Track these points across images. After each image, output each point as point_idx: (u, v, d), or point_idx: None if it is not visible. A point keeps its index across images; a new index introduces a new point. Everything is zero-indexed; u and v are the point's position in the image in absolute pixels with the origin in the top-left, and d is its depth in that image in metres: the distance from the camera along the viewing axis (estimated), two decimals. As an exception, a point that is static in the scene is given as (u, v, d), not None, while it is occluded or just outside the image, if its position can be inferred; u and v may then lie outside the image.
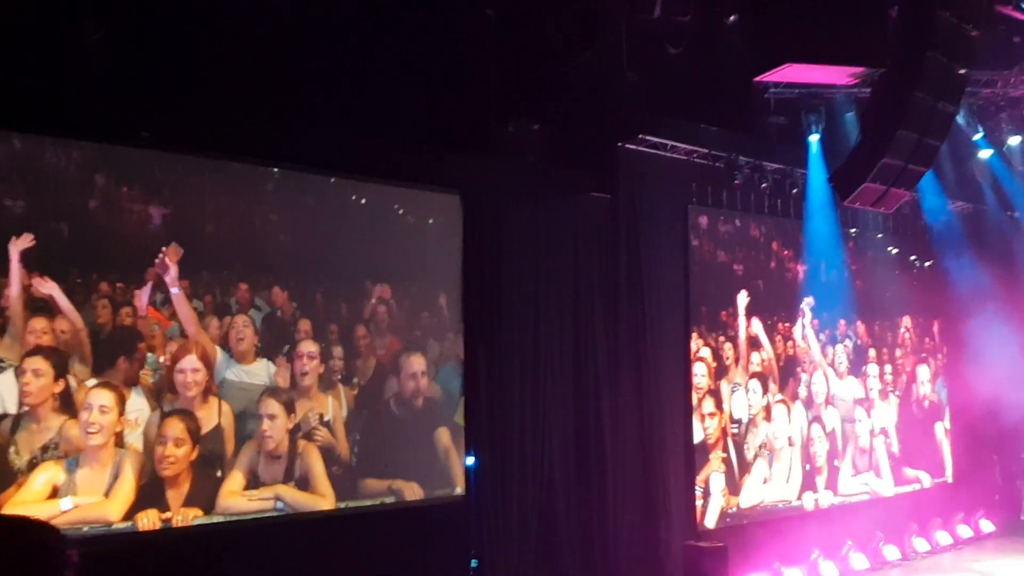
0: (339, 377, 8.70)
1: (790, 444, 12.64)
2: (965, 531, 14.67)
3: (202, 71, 7.69)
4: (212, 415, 7.77)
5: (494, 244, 9.82)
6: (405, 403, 9.17)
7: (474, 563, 9.42)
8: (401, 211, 9.34)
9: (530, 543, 9.89)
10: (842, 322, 13.71)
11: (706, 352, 11.63)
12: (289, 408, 8.30)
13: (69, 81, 7.11)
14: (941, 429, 15.49)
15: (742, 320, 12.10)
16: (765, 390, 12.35)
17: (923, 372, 15.33)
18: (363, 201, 9.09)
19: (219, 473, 7.82)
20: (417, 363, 9.28)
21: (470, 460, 9.58)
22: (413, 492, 9.11)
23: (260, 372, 8.13)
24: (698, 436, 11.46)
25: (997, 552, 14.14)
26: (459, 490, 9.48)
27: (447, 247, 9.64)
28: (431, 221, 9.57)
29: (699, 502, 11.38)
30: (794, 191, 12.68)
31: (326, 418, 8.56)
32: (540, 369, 10.19)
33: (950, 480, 15.38)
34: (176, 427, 7.56)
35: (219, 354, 7.87)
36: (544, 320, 10.25)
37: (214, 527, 7.72)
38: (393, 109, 8.86)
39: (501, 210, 9.87)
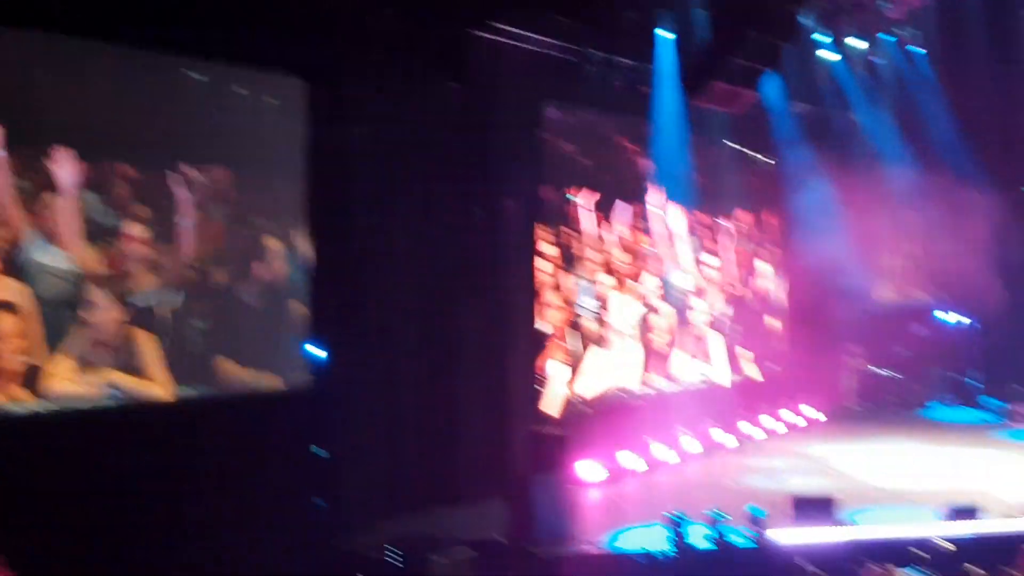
0: (171, 262, 8.47)
1: (630, 334, 13.02)
2: (795, 418, 15.52)
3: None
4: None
5: (340, 131, 9.63)
6: (246, 289, 9.02)
7: (320, 453, 9.46)
8: (242, 93, 9.05)
9: (376, 433, 9.99)
10: (686, 215, 14.06)
11: (550, 245, 11.78)
12: (116, 294, 8.02)
13: None
14: (775, 320, 16.20)
15: (587, 214, 12.26)
16: (609, 282, 12.62)
17: (760, 265, 15.94)
18: (204, 79, 8.73)
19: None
20: (258, 248, 9.11)
21: (314, 349, 9.56)
22: (254, 381, 9.06)
23: (81, 256, 7.81)
24: (542, 326, 11.68)
25: (822, 437, 15.03)
26: (303, 379, 9.46)
27: (290, 133, 9.39)
28: (272, 103, 9.29)
29: (541, 390, 11.67)
30: (644, 89, 12.80)
31: (156, 303, 8.34)
32: (387, 259, 10.17)
33: (782, 369, 16.15)
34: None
35: (30, 234, 7.50)
36: (392, 210, 10.19)
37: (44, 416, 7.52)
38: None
39: (348, 96, 9.66)
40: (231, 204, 8.95)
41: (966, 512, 9.91)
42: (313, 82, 9.46)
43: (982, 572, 7.43)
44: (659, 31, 12.20)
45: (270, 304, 9.26)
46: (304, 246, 9.51)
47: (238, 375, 8.92)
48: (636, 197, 13.10)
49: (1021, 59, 18.45)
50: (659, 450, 12.72)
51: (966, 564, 7.49)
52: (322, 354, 9.55)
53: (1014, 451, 13.88)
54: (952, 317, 19.18)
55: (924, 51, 16.08)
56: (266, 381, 9.17)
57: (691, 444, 13.28)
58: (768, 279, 16.07)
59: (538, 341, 11.65)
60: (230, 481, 8.52)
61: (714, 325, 14.74)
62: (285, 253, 9.39)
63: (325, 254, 9.58)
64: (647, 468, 12.43)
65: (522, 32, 11.13)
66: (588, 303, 12.30)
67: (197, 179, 8.63)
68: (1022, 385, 16.42)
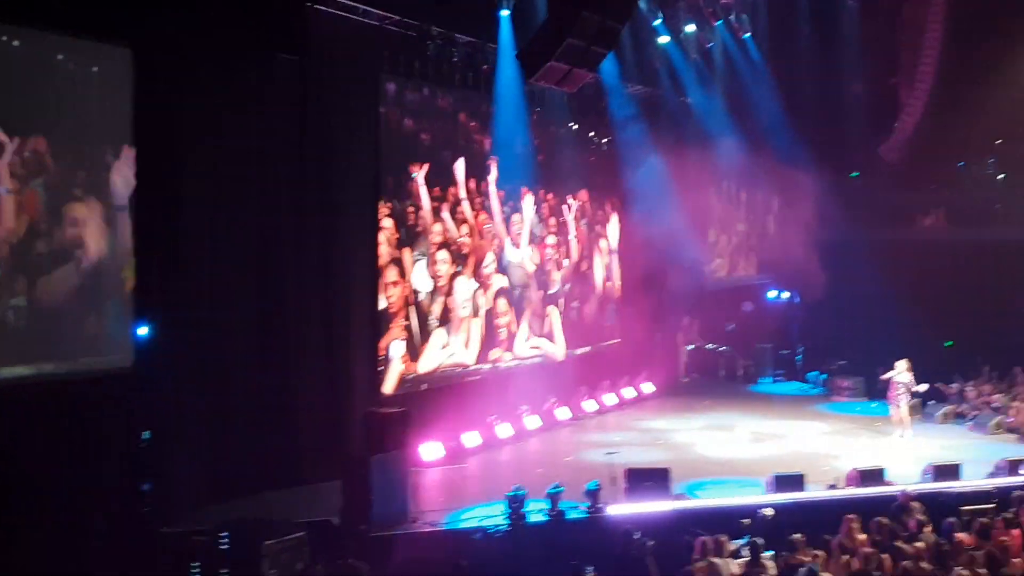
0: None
1: (473, 312, 13.05)
2: (630, 392, 15.88)
3: None
4: None
5: (171, 102, 9.29)
6: (65, 265, 8.62)
7: (146, 435, 9.14)
8: (65, 61, 8.61)
9: (206, 414, 9.73)
10: (525, 193, 14.16)
11: (389, 222, 11.67)
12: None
13: None
14: (612, 296, 16.52)
15: (424, 190, 12.18)
16: (449, 260, 12.60)
17: (600, 241, 16.19)
18: (16, 44, 8.25)
19: None
20: (78, 212, 8.71)
21: (142, 330, 9.21)
22: (77, 361, 8.69)
23: None
24: (382, 304, 11.58)
25: (657, 411, 15.45)
26: (128, 359, 9.11)
27: (116, 102, 9.00)
28: (95, 71, 8.87)
29: (380, 369, 11.57)
30: (484, 66, 12.82)
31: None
32: (221, 236, 9.90)
33: (619, 344, 16.49)
34: None
35: None
36: (227, 186, 9.92)
37: None
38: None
39: (179, 66, 9.32)
40: (50, 175, 8.48)
41: (792, 482, 10.37)
42: (142, 52, 9.09)
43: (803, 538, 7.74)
44: (500, 10, 12.20)
45: (91, 281, 8.84)
46: (129, 221, 9.11)
47: (54, 354, 8.51)
48: (477, 175, 13.10)
49: (845, 46, 19.34)
50: (499, 428, 12.83)
51: (793, 534, 7.80)
52: (147, 333, 9.20)
53: (836, 423, 14.63)
54: (779, 295, 20.01)
55: (749, 35, 16.60)
56: (88, 361, 8.77)
57: (531, 420, 13.43)
58: (605, 257, 16.35)
59: (378, 320, 11.54)
60: (51, 465, 8.18)
61: (553, 302, 14.92)
62: (108, 228, 8.97)
63: (152, 230, 9.24)
64: (488, 446, 12.53)
65: (361, 6, 10.93)
66: (428, 281, 12.23)
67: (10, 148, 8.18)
68: (842, 360, 17.27)
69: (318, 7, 10.51)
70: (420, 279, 12.14)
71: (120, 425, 8.97)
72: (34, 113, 8.40)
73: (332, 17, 10.75)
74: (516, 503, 9.42)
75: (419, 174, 12.10)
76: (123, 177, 9.07)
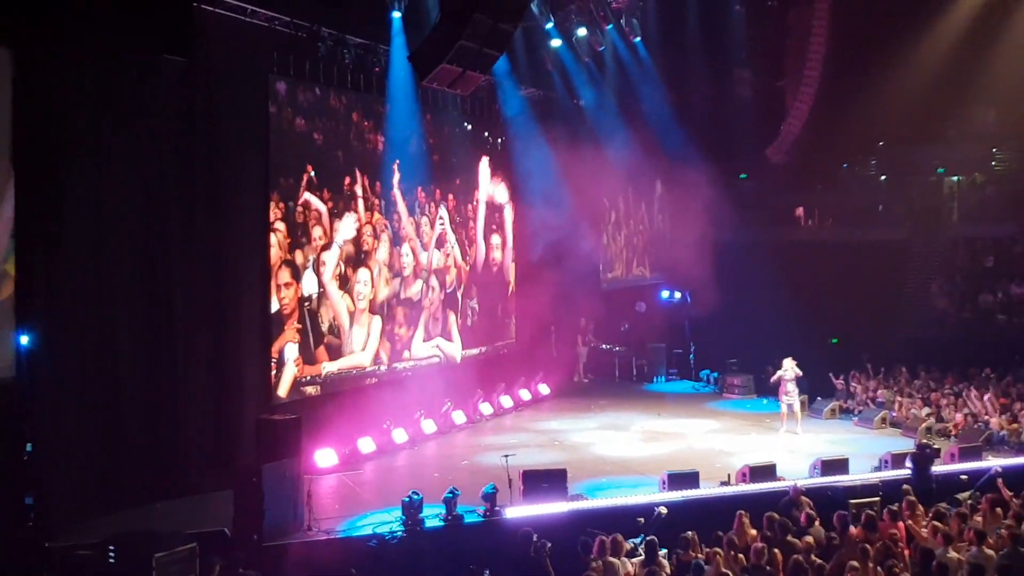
0: None
1: (370, 313, 12.93)
2: (526, 394, 15.92)
3: None
4: None
5: (52, 105, 9.01)
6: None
7: (28, 447, 8.82)
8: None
9: (91, 424, 9.44)
10: (421, 193, 14.10)
11: (281, 224, 11.48)
12: None
13: None
14: (508, 299, 16.55)
15: (314, 193, 12.02)
16: (341, 260, 12.45)
17: (495, 241, 16.20)
18: None
19: None
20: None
21: (23, 339, 8.88)
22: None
23: None
24: (274, 307, 11.38)
25: (553, 412, 15.52)
26: (10, 370, 8.77)
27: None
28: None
29: (274, 372, 11.38)
30: (376, 69, 12.73)
31: None
32: (105, 241, 9.62)
33: (514, 346, 16.53)
34: None
35: None
36: (112, 189, 9.64)
37: None
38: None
39: (61, 67, 9.03)
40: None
41: (686, 480, 10.50)
42: (23, 52, 8.76)
43: (695, 536, 7.85)
44: (391, 12, 12.12)
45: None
46: (7, 224, 8.77)
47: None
48: (370, 175, 12.98)
49: (733, 50, 19.77)
50: (395, 432, 12.72)
51: (688, 530, 7.90)
52: (29, 342, 8.87)
53: (728, 420, 14.90)
54: (672, 295, 20.31)
55: (639, 39, 16.82)
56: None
57: (427, 424, 13.36)
58: (502, 258, 16.38)
59: (270, 323, 11.34)
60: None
61: (448, 303, 14.88)
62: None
63: (31, 234, 8.90)
64: (383, 451, 12.42)
65: (249, 6, 10.73)
66: (315, 284, 12.05)
67: None
68: (732, 359, 17.62)
69: (204, 7, 10.27)
70: (312, 281, 11.97)
71: (2, 437, 8.65)
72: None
73: (219, 17, 10.51)
74: (412, 509, 9.36)
75: (311, 173, 11.94)
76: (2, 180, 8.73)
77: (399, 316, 13.68)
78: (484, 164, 15.72)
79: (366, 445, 12.19)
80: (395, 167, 13.44)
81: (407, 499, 9.40)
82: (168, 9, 9.86)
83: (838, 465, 11.04)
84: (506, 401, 15.35)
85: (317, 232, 12.04)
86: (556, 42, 15.06)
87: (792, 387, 13.66)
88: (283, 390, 11.50)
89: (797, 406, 13.69)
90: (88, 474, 9.37)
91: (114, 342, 9.68)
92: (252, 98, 11.18)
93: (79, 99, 9.25)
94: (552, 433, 13.97)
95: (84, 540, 8.25)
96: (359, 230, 12.80)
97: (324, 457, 11.45)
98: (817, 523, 8.44)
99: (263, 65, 11.28)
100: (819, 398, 15.24)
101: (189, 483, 10.14)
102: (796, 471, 11.08)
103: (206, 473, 10.29)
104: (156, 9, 9.66)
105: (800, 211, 22.25)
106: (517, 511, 9.65)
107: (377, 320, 13.13)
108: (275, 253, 11.38)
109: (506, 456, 10.31)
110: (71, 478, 9.17)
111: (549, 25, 14.39)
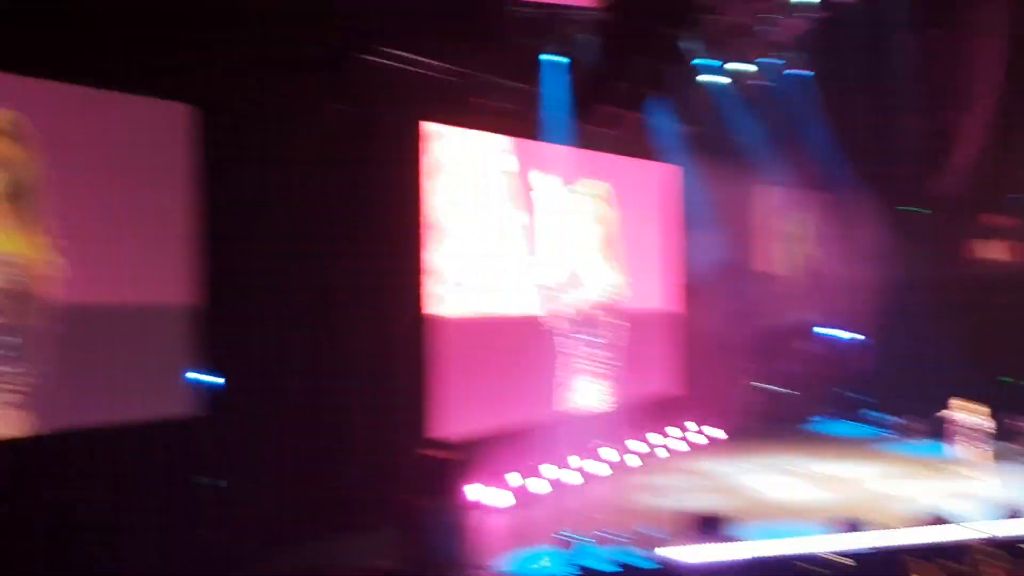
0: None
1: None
2: (691, 436, 15.66)
3: None
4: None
5: (222, 153, 9.43)
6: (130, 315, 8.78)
7: (205, 482, 9.21)
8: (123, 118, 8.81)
9: (264, 460, 9.74)
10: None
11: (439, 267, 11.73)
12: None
13: None
14: (667, 336, 16.31)
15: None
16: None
17: (655, 277, 16.02)
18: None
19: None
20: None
21: (201, 377, 9.31)
22: (148, 410, 8.81)
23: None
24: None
25: (716, 454, 15.19)
26: (188, 408, 9.21)
27: (174, 157, 9.21)
28: (156, 130, 9.08)
29: (434, 412, 11.54)
30: (531, 112, 12.87)
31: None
32: (277, 283, 9.97)
33: (675, 385, 16.27)
34: None
35: None
36: (280, 232, 10.02)
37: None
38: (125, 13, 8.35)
39: (231, 119, 9.48)
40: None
41: (854, 526, 10.08)
42: (197, 107, 9.29)
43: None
44: (545, 55, 12.24)
45: (158, 330, 9.02)
46: (192, 272, 9.28)
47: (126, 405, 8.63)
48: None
49: (899, 79, 19.14)
50: (561, 471, 12.68)
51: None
52: (206, 381, 9.30)
53: (898, 464, 14.27)
54: (841, 333, 19.66)
55: (808, 73, 16.48)
56: (151, 409, 8.88)
57: (591, 465, 13.28)
58: (666, 298, 16.20)
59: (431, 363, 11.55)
60: (117, 514, 8.27)
61: (612, 342, 14.77)
62: (175, 278, 9.18)
63: (212, 279, 9.38)
64: (546, 490, 12.39)
65: (406, 54, 11.05)
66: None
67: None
68: (912, 399, 16.86)
69: (363, 56, 10.64)
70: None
71: (180, 473, 9.05)
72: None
73: (376, 66, 10.87)
74: (577, 551, 9.27)
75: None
76: (186, 228, 9.28)
77: (569, 353, 13.70)
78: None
79: (530, 483, 12.19)
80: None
81: (572, 540, 9.33)
82: (329, 61, 10.30)
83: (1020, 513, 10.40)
84: (668, 442, 15.13)
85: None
86: (713, 77, 14.92)
87: (970, 430, 13.00)
88: (445, 426, 11.63)
89: (978, 450, 13.02)
90: (256, 509, 9.61)
91: (283, 381, 9.98)
92: (406, 142, 11.49)
93: (252, 147, 9.67)
94: (716, 475, 13.68)
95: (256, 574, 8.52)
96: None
97: (485, 494, 11.50)
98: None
99: (417, 110, 11.58)
100: (1000, 441, 14.41)
101: (355, 519, 10.31)
102: (975, 518, 10.49)
103: (371, 509, 10.45)
104: (317, 62, 10.11)
105: (971, 244, 21.23)
106: (684, 556, 9.44)
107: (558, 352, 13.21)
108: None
109: (669, 498, 10.14)
110: (246, 514, 9.44)
111: (706, 61, 14.28)
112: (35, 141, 8.03)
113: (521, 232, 13.08)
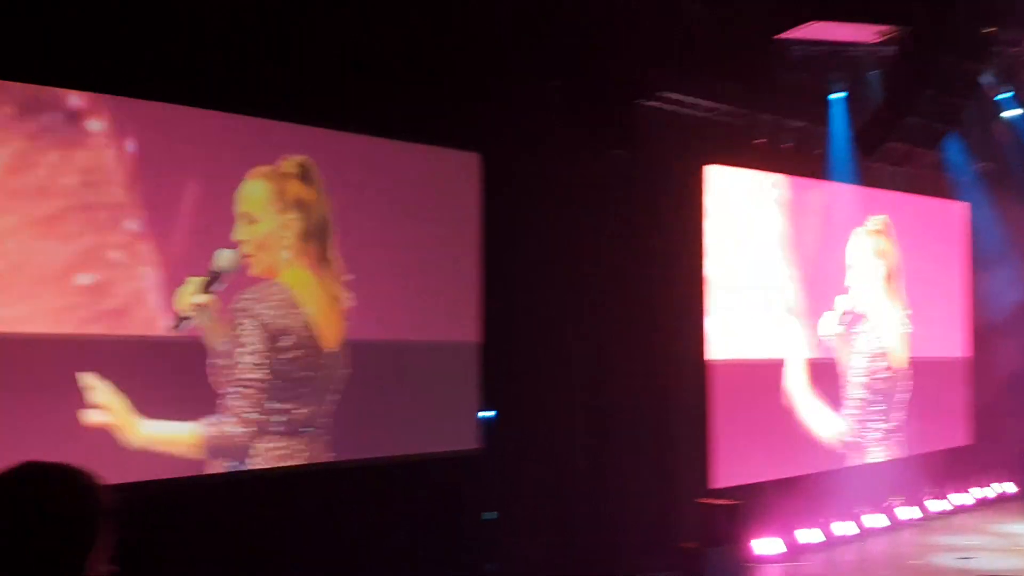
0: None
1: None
2: (984, 492, 14.67)
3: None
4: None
5: (512, 202, 9.84)
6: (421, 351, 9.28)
7: (489, 516, 9.54)
8: (417, 168, 9.36)
9: (541, 496, 9.98)
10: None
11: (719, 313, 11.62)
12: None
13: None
14: (956, 384, 15.37)
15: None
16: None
17: (939, 325, 15.18)
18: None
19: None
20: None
21: (486, 413, 9.67)
22: (427, 444, 9.22)
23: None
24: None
25: (1017, 513, 14.15)
26: (472, 443, 9.58)
27: (464, 204, 9.67)
28: (448, 179, 9.58)
29: (712, 458, 11.42)
30: (816, 151, 12.58)
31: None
32: (555, 321, 10.24)
33: (966, 437, 15.29)
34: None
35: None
36: (559, 273, 10.29)
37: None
38: (410, 66, 8.84)
39: (520, 170, 9.86)
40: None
41: None
42: (488, 155, 9.74)
43: None
44: (832, 93, 11.96)
45: (445, 367, 9.45)
46: (476, 312, 9.68)
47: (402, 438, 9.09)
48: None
49: None
50: (839, 524, 12.24)
51: None
52: (491, 416, 9.66)
53: None
54: None
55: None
56: (436, 444, 9.31)
57: (873, 518, 12.73)
58: (950, 338, 15.33)
59: (705, 411, 11.44)
60: (396, 545, 8.69)
61: (890, 386, 14.10)
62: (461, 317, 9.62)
63: (494, 321, 9.72)
64: (826, 543, 11.98)
65: (689, 98, 11.11)
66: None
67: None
68: None
69: (647, 104, 10.78)
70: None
71: (462, 508, 9.43)
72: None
73: (660, 112, 10.99)
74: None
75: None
76: (473, 270, 9.75)
77: (852, 397, 13.27)
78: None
79: (810, 535, 11.83)
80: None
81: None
82: (613, 109, 10.51)
83: None
84: (959, 498, 14.25)
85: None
86: (1012, 112, 14.05)
87: None
88: (723, 474, 11.49)
89: None
90: (532, 547, 9.82)
91: (561, 416, 10.22)
92: (689, 185, 11.48)
93: (534, 194, 10.01)
94: (1016, 536, 12.75)
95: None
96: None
97: (767, 545, 11.26)
98: None
99: (700, 154, 11.57)
100: None
101: (629, 562, 10.35)
102: None
103: (646, 553, 10.46)
104: (602, 111, 10.35)
105: None
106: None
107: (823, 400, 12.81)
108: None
109: (963, 558, 9.57)
110: (517, 550, 9.68)
111: (1004, 95, 13.47)
112: (325, 184, 8.64)
113: (802, 272, 12.77)
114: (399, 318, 9.16)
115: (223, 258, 7.85)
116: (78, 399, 7.07)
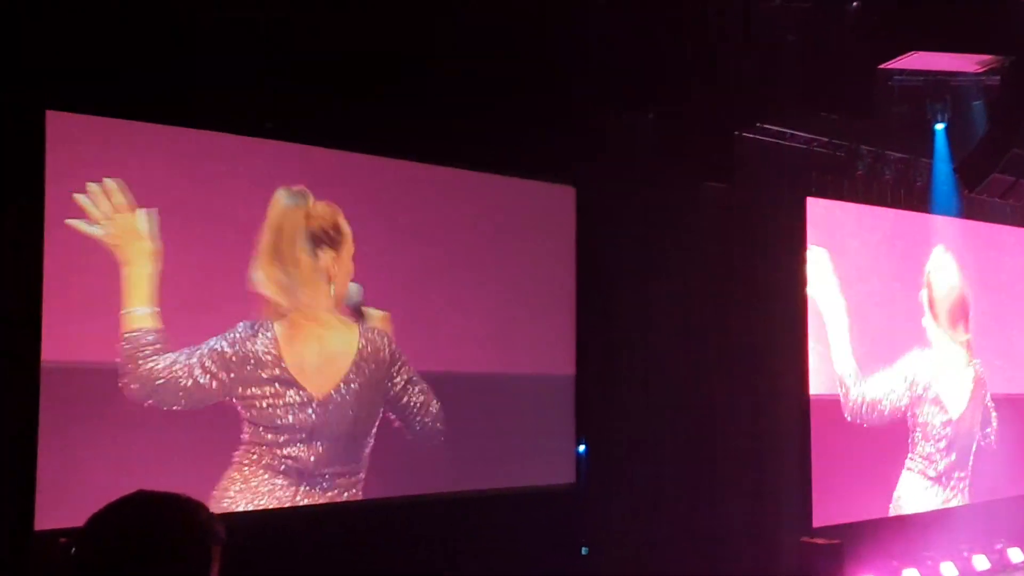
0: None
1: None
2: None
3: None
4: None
5: (608, 236, 9.86)
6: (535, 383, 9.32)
7: (584, 551, 9.48)
8: (514, 201, 9.43)
9: (635, 533, 9.88)
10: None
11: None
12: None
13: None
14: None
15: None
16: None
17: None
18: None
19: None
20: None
21: (580, 447, 9.63)
22: (523, 478, 9.22)
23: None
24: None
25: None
26: (570, 477, 9.55)
27: (560, 237, 9.71)
28: (544, 212, 9.63)
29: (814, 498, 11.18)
30: (918, 182, 12.34)
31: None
32: (651, 351, 10.20)
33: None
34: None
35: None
36: (655, 310, 10.24)
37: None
38: (502, 100, 8.90)
39: (615, 202, 9.87)
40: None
41: None
42: (583, 188, 9.78)
43: None
44: (935, 124, 11.74)
45: (543, 400, 9.48)
46: (572, 343, 9.68)
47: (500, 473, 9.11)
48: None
49: None
50: (943, 566, 11.86)
51: None
52: (585, 451, 9.63)
53: None
54: None
55: None
56: (535, 476, 9.32)
57: (979, 560, 12.30)
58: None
59: (809, 453, 11.22)
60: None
61: (970, 428, 13.65)
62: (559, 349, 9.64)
63: (588, 353, 9.72)
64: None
65: (788, 131, 11.02)
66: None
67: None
68: None
69: (746, 135, 10.71)
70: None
71: (562, 539, 9.38)
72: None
73: (759, 143, 10.92)
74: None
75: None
76: (569, 302, 9.78)
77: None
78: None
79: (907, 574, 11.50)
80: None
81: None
82: (711, 141, 10.44)
83: None
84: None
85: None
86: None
87: None
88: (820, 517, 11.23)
89: None
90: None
91: (658, 451, 10.11)
92: (789, 218, 11.36)
93: (630, 227, 10.03)
94: None
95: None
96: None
97: (866, 585, 10.98)
98: None
99: (800, 186, 11.46)
100: None
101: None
102: None
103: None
104: (699, 142, 10.28)
105: None
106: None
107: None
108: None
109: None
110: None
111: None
112: (423, 218, 8.82)
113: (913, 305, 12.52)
114: (496, 351, 9.21)
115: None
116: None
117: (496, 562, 8.71)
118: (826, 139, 11.42)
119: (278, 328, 7.80)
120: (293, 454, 7.81)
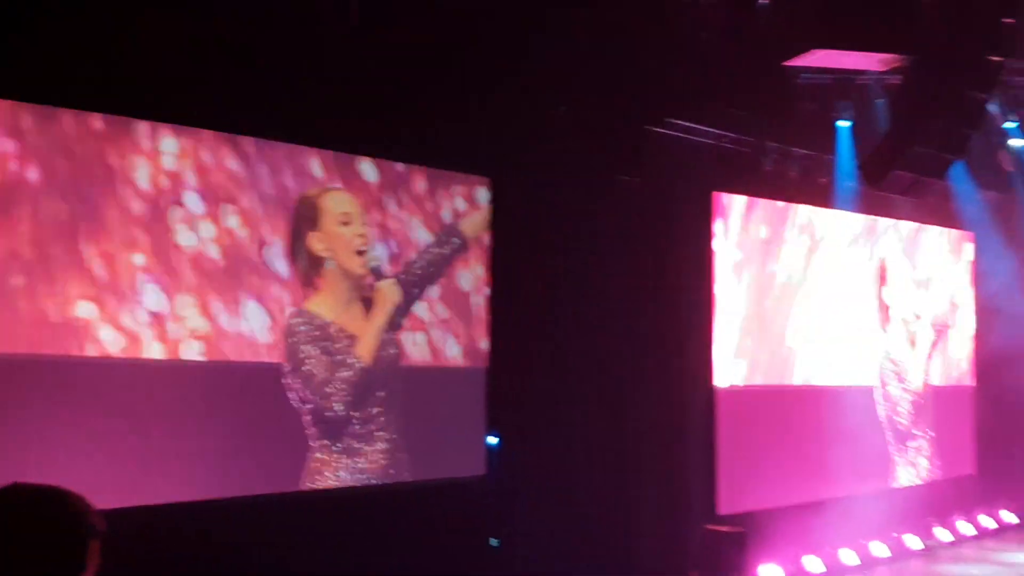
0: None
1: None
2: (988, 521, 14.61)
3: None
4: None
5: (520, 228, 9.90)
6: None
7: (494, 542, 9.50)
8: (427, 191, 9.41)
9: (547, 523, 9.93)
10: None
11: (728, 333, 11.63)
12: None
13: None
14: (963, 416, 15.34)
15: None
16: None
17: (952, 352, 15.18)
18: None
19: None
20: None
21: (492, 439, 9.65)
22: (432, 470, 9.21)
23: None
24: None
25: (1022, 544, 14.07)
26: (480, 469, 9.57)
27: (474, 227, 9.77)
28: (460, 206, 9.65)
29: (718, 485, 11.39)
30: (823, 179, 12.62)
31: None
32: (561, 345, 10.24)
33: (971, 467, 15.25)
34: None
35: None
36: (565, 295, 10.32)
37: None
38: (423, 94, 8.88)
39: (528, 194, 9.90)
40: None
41: None
42: (496, 181, 9.85)
43: None
44: (838, 121, 12.01)
45: (454, 392, 9.49)
46: (483, 337, 9.70)
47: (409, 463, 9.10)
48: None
49: None
50: (843, 553, 12.18)
51: None
52: (497, 442, 9.65)
53: None
54: None
55: None
56: (438, 471, 9.31)
57: (877, 547, 12.66)
58: (960, 367, 15.33)
59: (714, 440, 11.42)
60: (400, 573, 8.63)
61: (905, 417, 14.09)
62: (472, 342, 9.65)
63: (501, 344, 9.78)
64: (830, 572, 11.93)
65: (696, 126, 11.16)
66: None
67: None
68: None
69: (654, 130, 10.82)
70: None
71: (471, 531, 9.41)
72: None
73: (667, 139, 11.04)
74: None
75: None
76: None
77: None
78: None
79: (813, 564, 11.77)
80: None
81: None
82: (621, 136, 10.54)
83: None
84: (965, 528, 14.19)
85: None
86: (1019, 141, 14.10)
87: None
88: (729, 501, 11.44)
89: None
90: (543, 571, 9.81)
91: (568, 443, 10.19)
92: (695, 213, 11.53)
93: (543, 219, 10.07)
94: (1013, 564, 12.67)
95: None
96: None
97: (771, 572, 11.19)
98: None
99: (707, 181, 11.63)
100: None
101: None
102: None
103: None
104: (610, 137, 10.38)
105: None
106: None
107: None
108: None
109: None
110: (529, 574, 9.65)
111: (1010, 124, 13.52)
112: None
113: (812, 299, 12.80)
114: (408, 342, 9.20)
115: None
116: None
117: (406, 555, 8.67)
118: (733, 135, 11.60)
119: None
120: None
